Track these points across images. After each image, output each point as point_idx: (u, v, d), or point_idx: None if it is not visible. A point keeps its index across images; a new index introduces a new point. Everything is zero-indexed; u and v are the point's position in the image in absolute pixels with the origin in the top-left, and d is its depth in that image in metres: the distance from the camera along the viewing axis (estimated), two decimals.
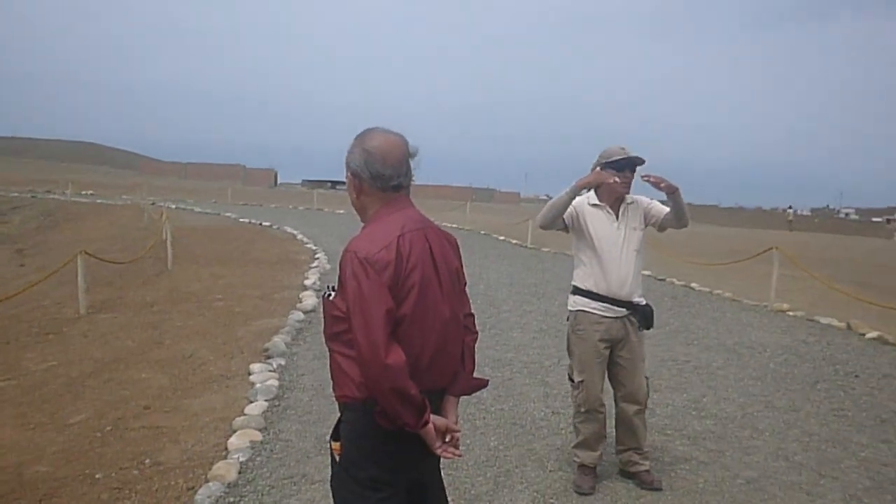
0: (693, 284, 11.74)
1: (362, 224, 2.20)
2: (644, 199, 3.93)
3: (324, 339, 2.16)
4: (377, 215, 2.12)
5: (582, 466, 3.90)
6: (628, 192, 3.82)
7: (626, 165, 3.73)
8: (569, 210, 3.79)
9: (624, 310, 3.78)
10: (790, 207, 53.20)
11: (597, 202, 3.82)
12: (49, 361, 6.24)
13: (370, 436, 2.06)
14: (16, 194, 29.89)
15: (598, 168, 3.78)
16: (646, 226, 3.90)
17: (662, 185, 3.66)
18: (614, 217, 3.80)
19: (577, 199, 3.81)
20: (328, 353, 2.15)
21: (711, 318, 9.02)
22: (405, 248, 2.02)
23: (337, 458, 2.15)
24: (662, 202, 3.91)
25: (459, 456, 2.15)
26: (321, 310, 2.19)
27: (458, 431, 2.18)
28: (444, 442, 2.11)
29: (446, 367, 2.15)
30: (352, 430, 2.10)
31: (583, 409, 3.86)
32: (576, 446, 3.96)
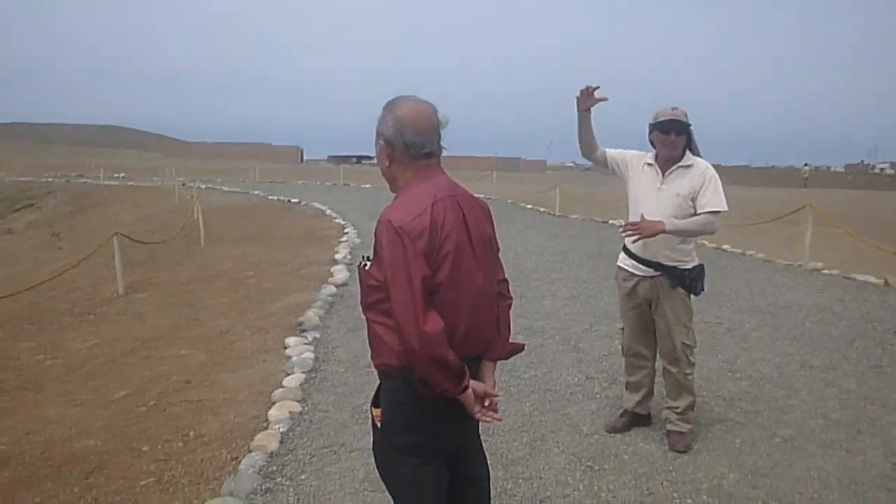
0: (725, 246, 11.61)
1: (392, 194, 2.22)
2: (706, 176, 3.67)
3: (361, 309, 2.18)
4: (409, 184, 2.12)
5: (623, 410, 4.19)
6: (673, 154, 3.72)
7: (672, 128, 3.66)
8: (625, 162, 3.91)
9: (651, 270, 3.80)
10: (806, 164, 52.98)
11: (651, 161, 3.81)
12: (91, 340, 6.40)
13: (409, 403, 2.08)
14: (50, 179, 30.47)
15: (649, 129, 3.77)
16: (694, 199, 3.68)
17: (637, 237, 3.64)
18: (660, 177, 3.76)
19: (636, 154, 3.91)
20: (365, 323, 2.17)
21: (744, 280, 8.92)
22: (439, 215, 2.02)
23: (378, 425, 2.19)
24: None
25: (499, 420, 2.17)
26: (357, 280, 2.21)
27: (497, 396, 2.21)
28: (483, 407, 2.13)
29: (482, 333, 2.16)
30: (391, 398, 2.13)
31: (623, 354, 4.20)
32: (625, 388, 4.24)
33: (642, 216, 3.68)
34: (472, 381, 2.07)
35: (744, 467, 3.66)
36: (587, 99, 3.72)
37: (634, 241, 3.75)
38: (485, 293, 2.14)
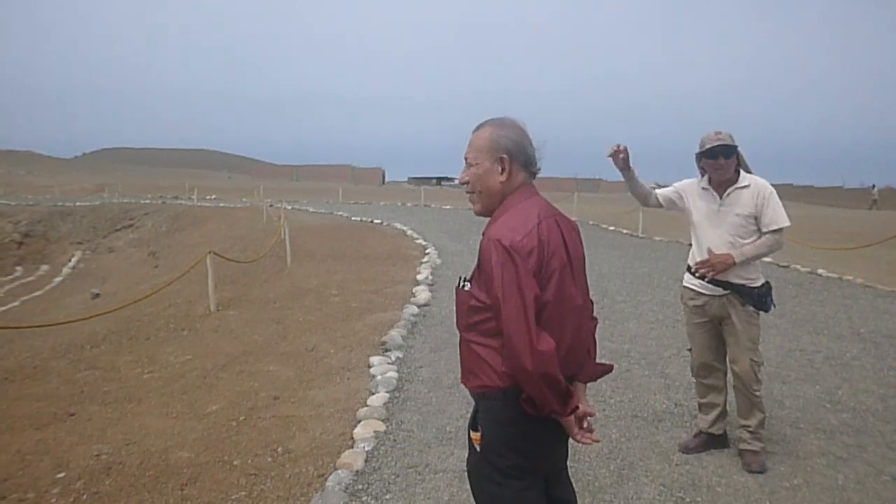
0: (820, 271, 11.09)
1: (477, 217, 2.23)
2: (764, 193, 3.73)
3: (459, 331, 2.18)
4: (511, 202, 2.13)
5: (698, 430, 4.19)
6: (725, 178, 3.81)
7: (719, 153, 3.73)
8: (679, 194, 4.04)
9: (720, 289, 3.84)
10: (873, 186, 50.56)
11: (706, 185, 3.90)
12: (185, 355, 6.65)
13: (512, 423, 2.07)
14: (147, 201, 32.05)
15: (697, 158, 3.89)
16: (757, 218, 3.75)
17: (711, 274, 3.78)
18: (718, 200, 3.85)
19: (690, 182, 4.03)
20: (460, 344, 2.17)
21: (842, 306, 8.48)
22: (544, 234, 2.02)
23: (477, 448, 2.16)
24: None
25: (597, 441, 2.14)
26: (454, 301, 2.20)
27: (594, 415, 2.18)
28: (581, 428, 2.11)
29: (579, 353, 2.14)
30: (493, 419, 2.11)
31: (693, 375, 4.23)
32: (697, 409, 4.26)
33: (709, 250, 3.80)
34: None
35: None
36: (619, 159, 3.82)
37: (709, 279, 3.82)
38: (583, 312, 2.13)
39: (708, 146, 3.74)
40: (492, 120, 2.17)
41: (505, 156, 2.11)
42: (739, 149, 3.77)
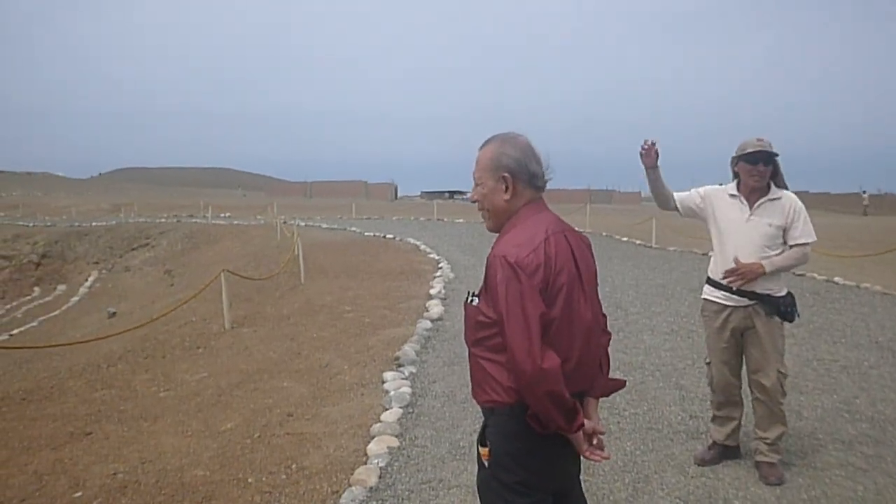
0: (836, 279, 10.99)
1: (487, 230, 2.23)
2: (796, 207, 3.77)
3: (466, 345, 2.19)
4: (519, 218, 2.13)
5: (712, 442, 4.13)
6: (761, 185, 3.78)
7: (760, 158, 3.71)
8: (700, 199, 3.99)
9: (746, 299, 3.81)
10: (864, 192, 50.30)
11: (734, 192, 3.87)
12: (200, 373, 6.69)
13: (518, 439, 2.06)
14: (162, 220, 32.31)
15: (734, 161, 3.85)
16: (786, 230, 3.78)
17: (740, 283, 3.76)
18: (748, 209, 3.81)
19: (714, 188, 3.98)
20: (469, 359, 2.17)
21: (859, 314, 8.40)
22: (551, 250, 2.02)
23: (485, 464, 2.16)
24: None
25: (607, 458, 2.13)
26: (462, 316, 2.21)
27: (604, 433, 2.18)
28: (591, 445, 2.11)
29: (589, 369, 2.13)
30: (499, 434, 2.10)
31: (712, 389, 4.14)
32: (711, 421, 4.22)
33: (737, 259, 3.76)
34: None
35: None
36: (650, 156, 3.83)
37: (738, 287, 3.80)
38: (593, 328, 2.12)
39: (749, 150, 3.72)
40: (495, 136, 2.17)
41: (506, 174, 2.11)
42: (778, 159, 3.77)
